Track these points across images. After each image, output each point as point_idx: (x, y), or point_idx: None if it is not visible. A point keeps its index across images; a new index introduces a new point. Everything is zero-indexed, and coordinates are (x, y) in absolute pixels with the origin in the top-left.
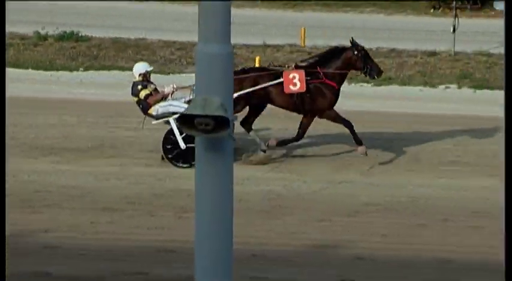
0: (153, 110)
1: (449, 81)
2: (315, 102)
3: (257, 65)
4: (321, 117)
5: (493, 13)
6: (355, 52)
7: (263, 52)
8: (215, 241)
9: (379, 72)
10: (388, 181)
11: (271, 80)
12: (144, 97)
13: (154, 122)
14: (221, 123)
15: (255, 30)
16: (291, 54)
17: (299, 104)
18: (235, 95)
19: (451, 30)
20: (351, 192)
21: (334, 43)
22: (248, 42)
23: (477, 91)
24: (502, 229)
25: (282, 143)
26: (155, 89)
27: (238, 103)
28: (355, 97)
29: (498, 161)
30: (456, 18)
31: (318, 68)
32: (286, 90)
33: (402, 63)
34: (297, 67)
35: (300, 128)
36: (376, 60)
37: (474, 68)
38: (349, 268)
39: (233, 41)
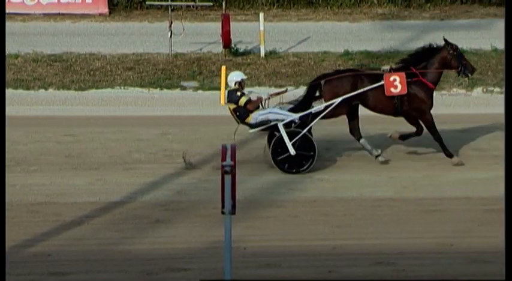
0: (252, 118)
1: None
2: (413, 103)
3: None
4: (419, 119)
5: None
6: (450, 51)
7: None
8: None
9: (473, 70)
10: None
11: (371, 83)
12: (244, 104)
13: (250, 130)
14: None
15: None
16: None
17: (398, 106)
18: (339, 99)
19: None
20: None
21: None
22: None
23: None
24: None
25: (404, 137)
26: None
27: (341, 106)
28: None
29: None
30: None
31: (413, 68)
32: (387, 93)
33: None
34: (395, 70)
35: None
36: None
37: None
38: None
39: None
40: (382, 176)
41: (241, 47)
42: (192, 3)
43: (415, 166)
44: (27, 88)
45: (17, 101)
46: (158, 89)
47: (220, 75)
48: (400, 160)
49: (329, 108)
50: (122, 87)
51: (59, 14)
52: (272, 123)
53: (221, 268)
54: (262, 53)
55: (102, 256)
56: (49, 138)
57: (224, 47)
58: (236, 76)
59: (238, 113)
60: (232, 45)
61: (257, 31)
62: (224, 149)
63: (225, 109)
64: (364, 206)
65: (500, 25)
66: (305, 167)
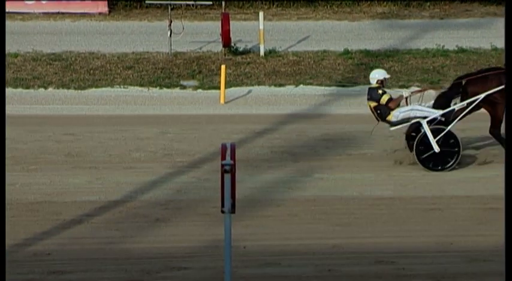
0: (393, 116)
1: None
2: None
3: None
4: None
5: None
6: None
7: None
8: None
9: None
10: None
11: None
12: (386, 102)
13: (392, 128)
14: None
15: None
16: None
17: None
18: (482, 95)
19: None
20: None
21: None
22: None
23: None
24: None
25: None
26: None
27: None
28: None
29: None
30: None
31: None
32: None
33: None
34: None
35: None
36: None
37: None
38: None
39: None
40: (381, 175)
41: (241, 46)
42: (191, 2)
43: (414, 165)
44: (27, 87)
45: (17, 100)
46: (158, 88)
47: (220, 74)
48: (400, 158)
49: (472, 105)
50: (122, 86)
51: (58, 13)
52: (414, 121)
53: (221, 266)
54: (262, 52)
55: (102, 254)
56: (49, 137)
57: (224, 46)
58: (379, 74)
59: (379, 111)
60: (232, 44)
61: (257, 30)
62: (224, 147)
63: (224, 108)
64: (363, 205)
65: (500, 24)
66: (450, 164)
